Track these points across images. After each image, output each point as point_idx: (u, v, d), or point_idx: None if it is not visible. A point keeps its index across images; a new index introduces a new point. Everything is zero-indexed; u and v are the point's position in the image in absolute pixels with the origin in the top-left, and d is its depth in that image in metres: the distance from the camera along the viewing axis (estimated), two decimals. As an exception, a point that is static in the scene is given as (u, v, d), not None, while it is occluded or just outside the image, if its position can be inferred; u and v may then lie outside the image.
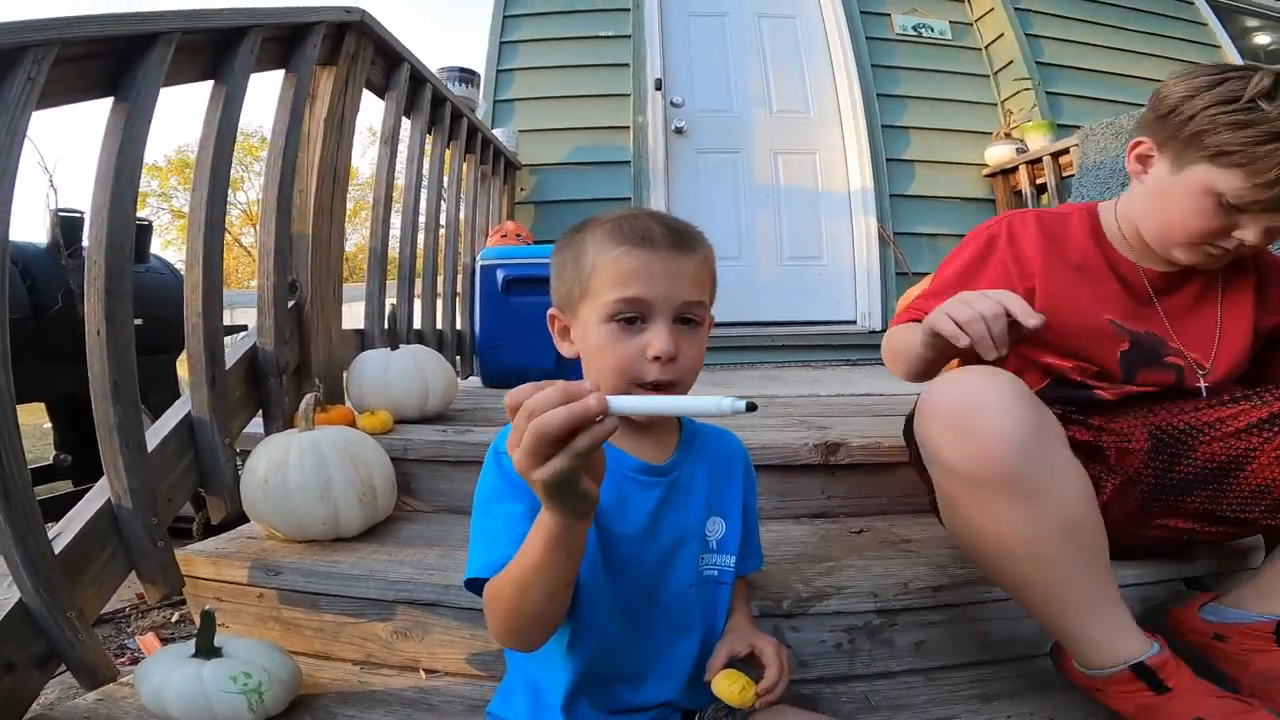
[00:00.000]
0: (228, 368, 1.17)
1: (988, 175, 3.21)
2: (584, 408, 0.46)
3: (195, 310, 1.10)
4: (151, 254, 2.52)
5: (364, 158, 10.51)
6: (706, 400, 0.48)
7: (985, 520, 0.78)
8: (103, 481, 0.96)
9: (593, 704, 0.74)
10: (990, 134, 3.22)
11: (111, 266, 0.94)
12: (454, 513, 1.30)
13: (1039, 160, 2.91)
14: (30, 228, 2.33)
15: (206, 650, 0.86)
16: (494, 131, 2.82)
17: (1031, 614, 0.82)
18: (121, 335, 0.95)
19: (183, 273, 1.30)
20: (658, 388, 0.67)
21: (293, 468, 1.05)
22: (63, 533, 0.90)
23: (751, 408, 0.46)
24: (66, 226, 2.19)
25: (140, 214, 2.62)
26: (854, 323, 3.07)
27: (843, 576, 1.01)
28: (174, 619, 1.83)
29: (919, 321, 0.89)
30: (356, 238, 10.56)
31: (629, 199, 3.05)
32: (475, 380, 2.25)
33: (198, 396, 1.09)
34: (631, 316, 0.67)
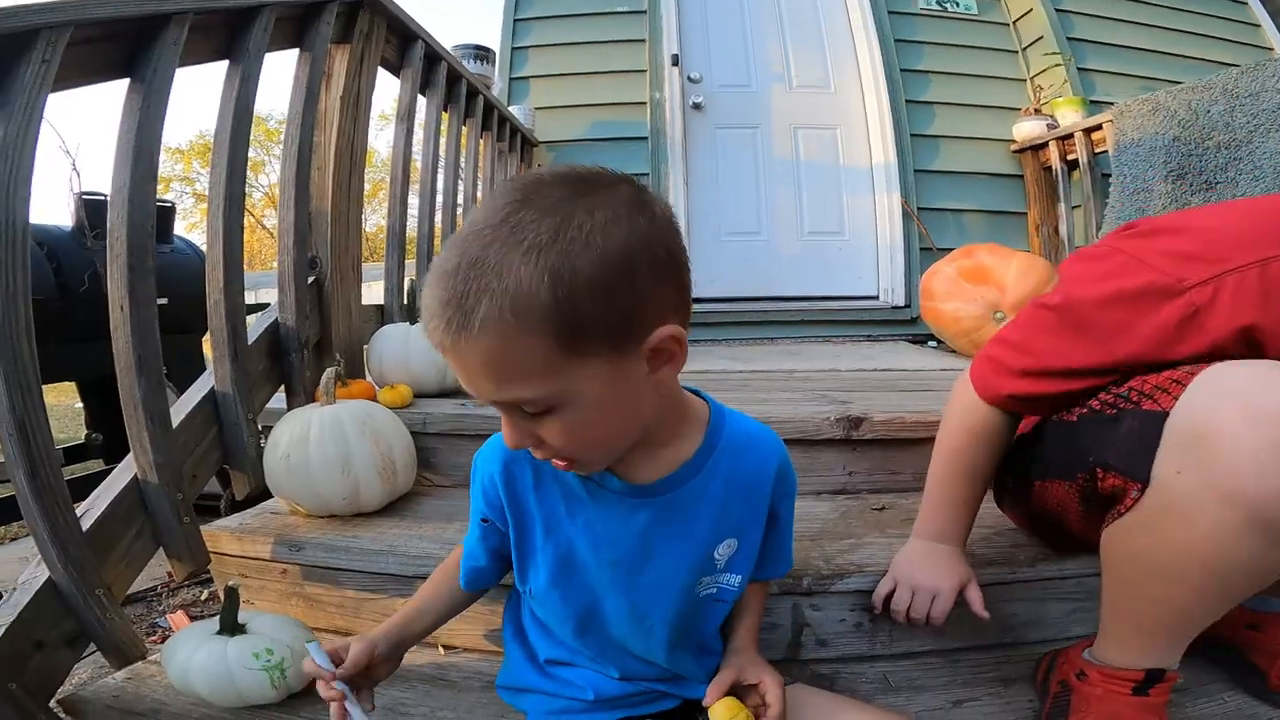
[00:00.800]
0: (250, 343, 1.17)
1: (1016, 151, 3.15)
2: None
3: (217, 286, 1.11)
4: (175, 235, 2.56)
5: (379, 139, 10.56)
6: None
7: (1224, 554, 0.60)
8: (129, 458, 0.97)
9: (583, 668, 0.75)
10: (1018, 110, 3.15)
11: (133, 242, 0.95)
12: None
13: (1070, 136, 2.84)
14: (55, 211, 2.36)
15: (230, 627, 0.87)
16: (510, 109, 2.80)
17: (1125, 619, 0.73)
18: (144, 310, 0.95)
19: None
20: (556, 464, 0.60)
21: (314, 442, 1.06)
22: (90, 510, 0.91)
23: None
24: (91, 209, 2.23)
25: (164, 197, 2.67)
26: (876, 298, 3.04)
27: (864, 554, 1.00)
28: (203, 596, 1.88)
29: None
30: (376, 218, 10.64)
31: (646, 175, 3.03)
32: None
33: (221, 371, 1.10)
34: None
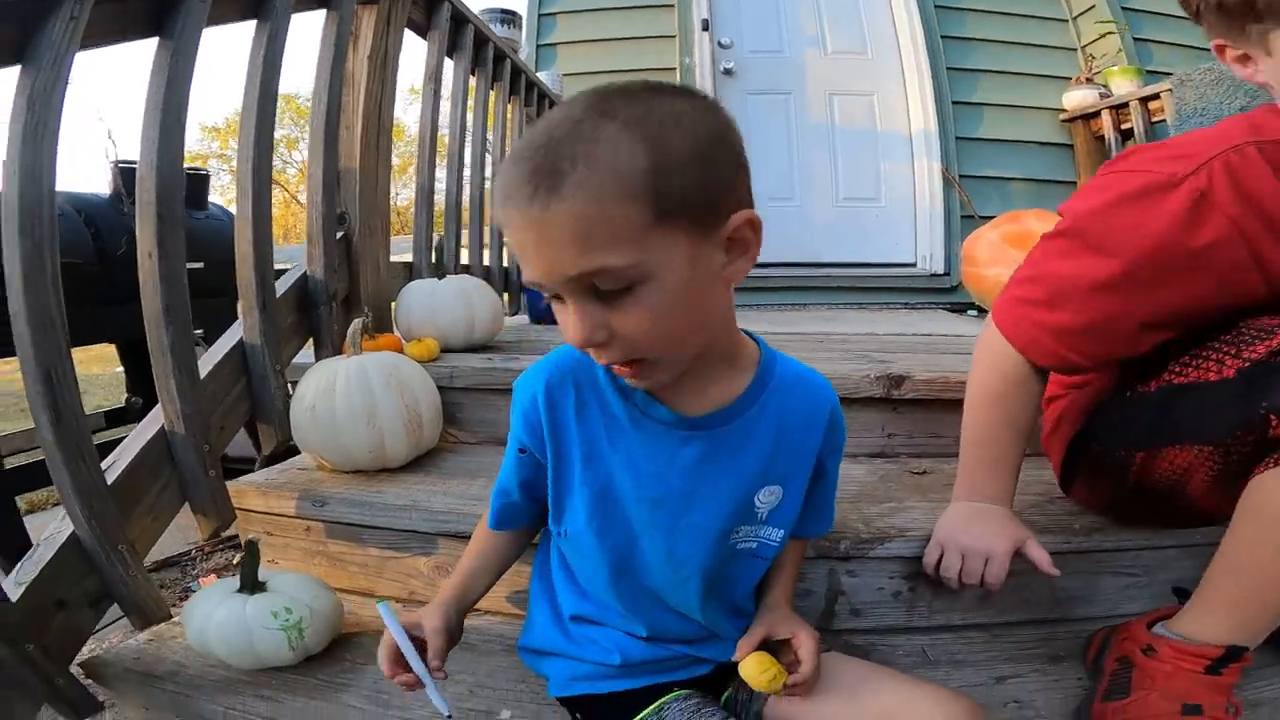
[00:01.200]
0: (278, 296, 1.17)
1: (1065, 120, 3.08)
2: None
3: (245, 238, 1.11)
4: (210, 202, 2.58)
5: (407, 114, 10.56)
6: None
7: None
8: (157, 409, 0.96)
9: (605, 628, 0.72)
10: (1068, 79, 3.07)
11: (162, 193, 0.94)
12: (499, 444, 1.26)
13: (1124, 105, 2.79)
14: (93, 181, 2.40)
15: (250, 584, 0.86)
16: (538, 75, 2.75)
17: (1234, 585, 0.69)
18: (172, 259, 0.94)
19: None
20: (612, 363, 0.55)
21: (339, 393, 1.04)
22: (116, 462, 0.91)
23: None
24: (126, 177, 2.26)
25: (199, 167, 2.69)
26: (913, 265, 2.97)
27: (906, 518, 0.95)
28: (235, 560, 1.91)
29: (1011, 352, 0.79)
30: (406, 193, 10.70)
31: None
32: (522, 318, 2.27)
33: (249, 321, 1.09)
34: (553, 293, 0.52)
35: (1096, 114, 2.91)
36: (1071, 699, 0.80)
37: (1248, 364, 0.67)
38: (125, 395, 2.41)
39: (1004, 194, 2.95)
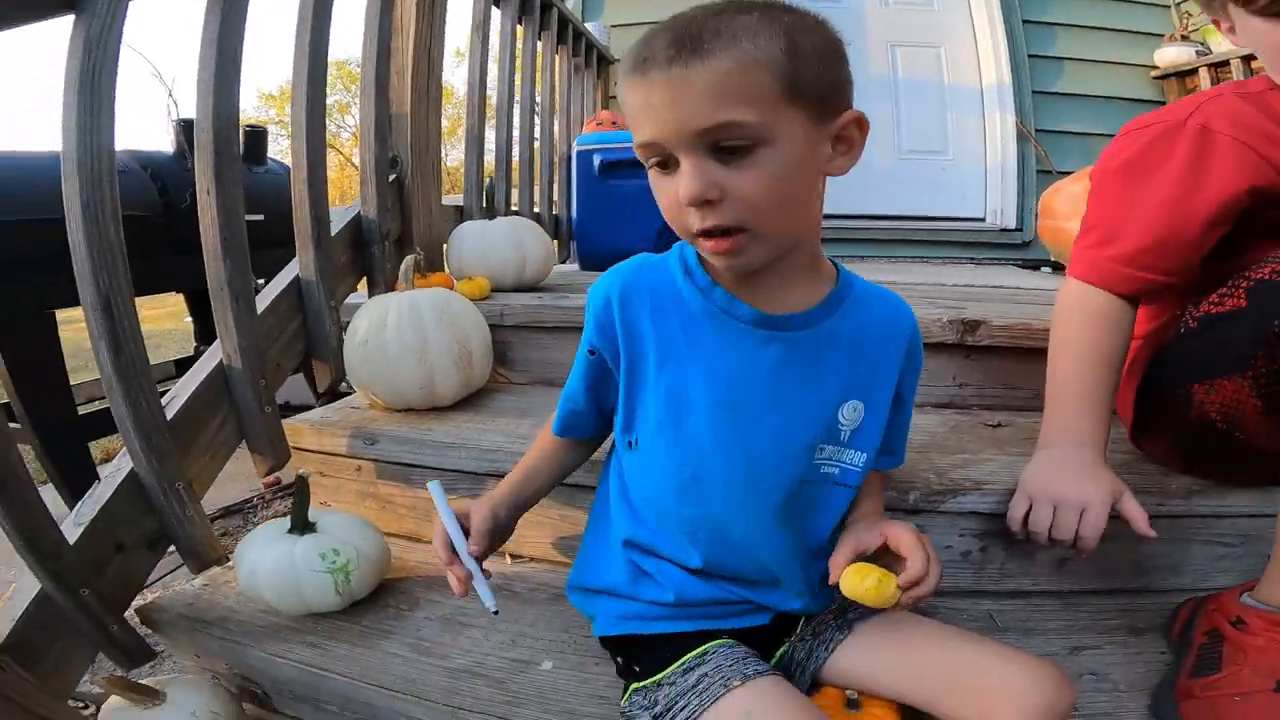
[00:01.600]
0: (334, 234, 1.17)
1: (1157, 77, 2.90)
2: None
3: (301, 179, 1.11)
4: (269, 157, 2.63)
5: (454, 77, 10.53)
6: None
7: None
8: (215, 345, 0.97)
9: (666, 561, 0.68)
10: (1159, 35, 2.87)
11: (218, 131, 0.94)
12: (549, 385, 1.28)
13: (1225, 63, 2.62)
14: (156, 139, 2.47)
15: (301, 523, 0.86)
16: (585, 25, 2.68)
17: None
18: (230, 194, 0.94)
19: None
20: (710, 236, 0.54)
21: (391, 328, 1.03)
22: (175, 397, 0.92)
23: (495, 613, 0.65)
24: (188, 134, 2.32)
25: (257, 126, 2.73)
26: (982, 219, 2.83)
27: (982, 471, 0.88)
28: (283, 511, 1.97)
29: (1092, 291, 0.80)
30: (455, 154, 10.75)
31: None
32: (573, 265, 2.26)
33: (304, 258, 1.10)
34: (661, 160, 0.54)
35: (1192, 71, 2.75)
36: (1154, 673, 0.74)
37: (1254, 283, 0.71)
38: (194, 345, 2.51)
39: (1086, 149, 2.78)
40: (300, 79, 1.12)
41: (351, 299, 1.25)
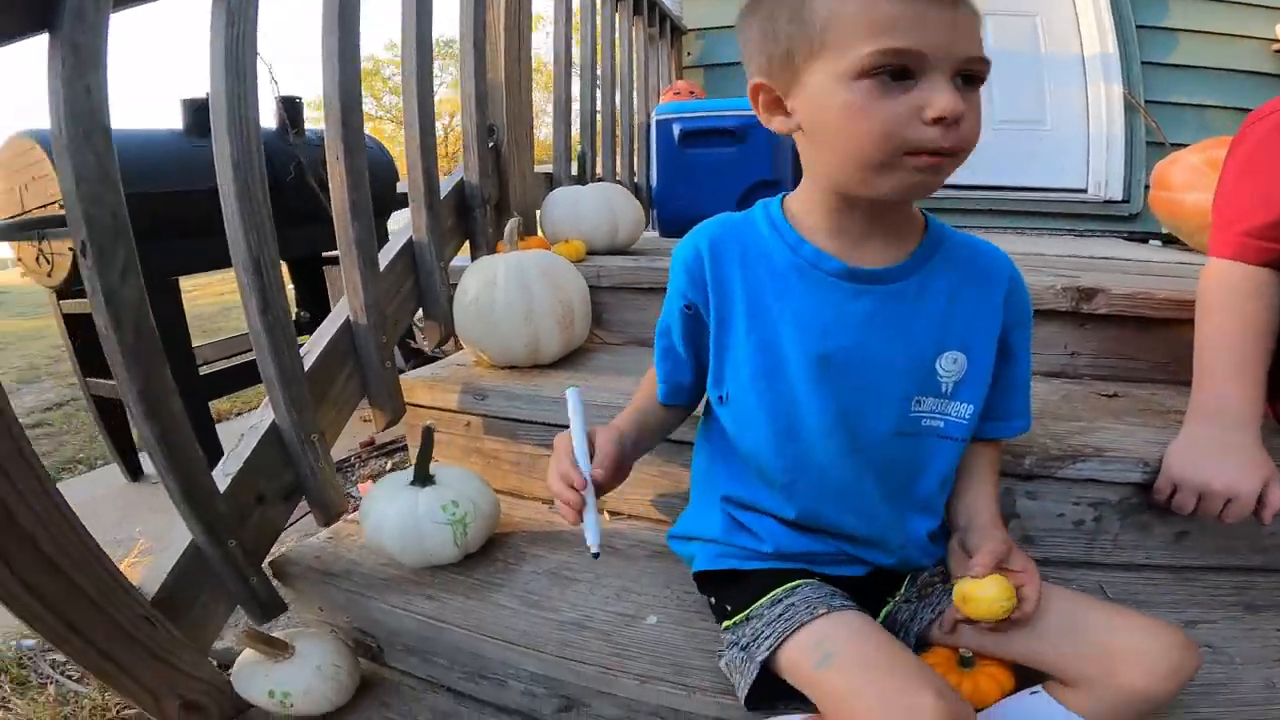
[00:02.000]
0: (441, 198, 1.22)
1: (1279, 50, 2.67)
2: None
3: (413, 143, 1.16)
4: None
5: (540, 49, 10.62)
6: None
7: None
8: (341, 303, 1.04)
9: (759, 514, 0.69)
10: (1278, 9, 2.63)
11: (344, 103, 0.99)
12: (642, 345, 1.30)
13: None
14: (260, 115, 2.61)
15: (423, 473, 0.90)
16: (659, -2, 2.68)
17: None
18: (356, 159, 1.00)
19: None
20: (934, 154, 0.53)
21: (500, 287, 1.08)
22: (310, 352, 0.98)
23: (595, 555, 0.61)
24: (290, 109, 2.44)
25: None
26: (1083, 191, 2.68)
27: (1101, 439, 0.86)
28: (388, 467, 2.08)
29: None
30: (544, 132, 10.83)
31: None
32: (653, 232, 2.28)
33: (417, 220, 1.15)
34: (897, 70, 0.52)
35: (1315, 45, 2.52)
36: (1272, 649, 0.72)
37: None
38: (295, 310, 2.67)
39: (1201, 121, 2.63)
40: (409, 49, 1.16)
41: (455, 262, 1.30)
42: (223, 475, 0.84)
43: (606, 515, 1.04)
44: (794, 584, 0.65)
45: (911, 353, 0.63)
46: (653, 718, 0.74)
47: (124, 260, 0.70)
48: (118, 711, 1.04)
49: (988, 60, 0.53)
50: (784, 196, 0.67)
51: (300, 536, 1.13)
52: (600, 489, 0.65)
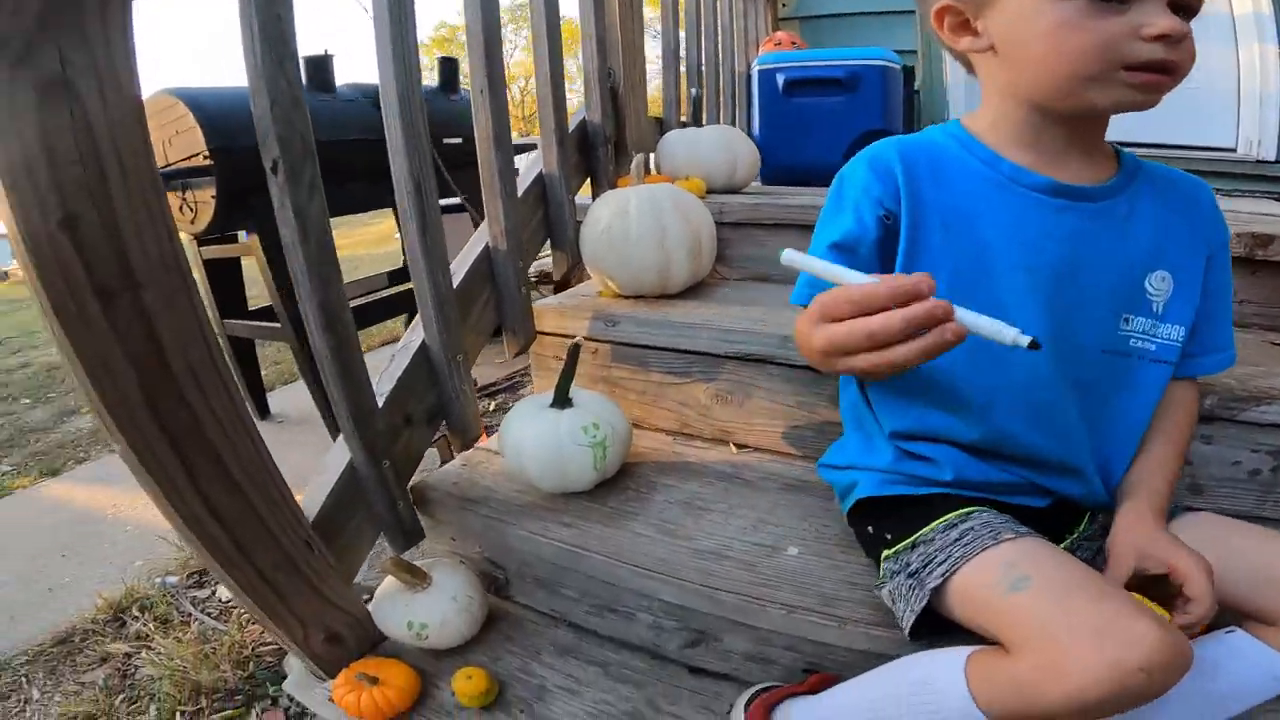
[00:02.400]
0: (569, 133, 1.25)
1: None
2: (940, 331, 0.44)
3: (545, 81, 1.20)
4: (464, 88, 2.83)
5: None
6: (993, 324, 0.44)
7: None
8: (482, 228, 1.09)
9: (925, 442, 0.67)
10: None
11: (488, 42, 1.03)
12: (763, 281, 1.30)
13: None
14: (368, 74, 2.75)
15: (564, 394, 0.90)
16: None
17: None
18: (498, 95, 1.04)
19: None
20: (1163, 70, 0.53)
21: (633, 216, 1.10)
22: (455, 271, 1.02)
23: (1034, 345, 0.42)
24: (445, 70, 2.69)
25: (451, 58, 2.93)
26: (1232, 150, 2.48)
27: (1283, 384, 0.79)
28: (490, 408, 2.18)
29: None
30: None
31: (911, 11, 2.64)
32: (755, 183, 2.26)
33: (548, 155, 1.19)
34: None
35: None
36: None
37: None
38: (403, 259, 2.81)
39: None
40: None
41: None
42: (377, 394, 0.86)
43: (732, 447, 1.05)
44: (970, 509, 0.63)
45: (1121, 271, 0.62)
46: (787, 651, 0.74)
47: (310, 178, 0.75)
48: (254, 649, 1.11)
49: None
50: (959, 120, 0.66)
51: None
52: None
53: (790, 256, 0.51)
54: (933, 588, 0.59)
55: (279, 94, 0.71)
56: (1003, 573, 0.54)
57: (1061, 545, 0.65)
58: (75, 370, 0.54)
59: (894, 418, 0.69)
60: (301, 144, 0.74)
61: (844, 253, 0.64)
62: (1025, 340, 0.43)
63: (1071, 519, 0.68)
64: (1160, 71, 0.53)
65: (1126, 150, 0.65)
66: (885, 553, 0.67)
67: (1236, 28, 2.53)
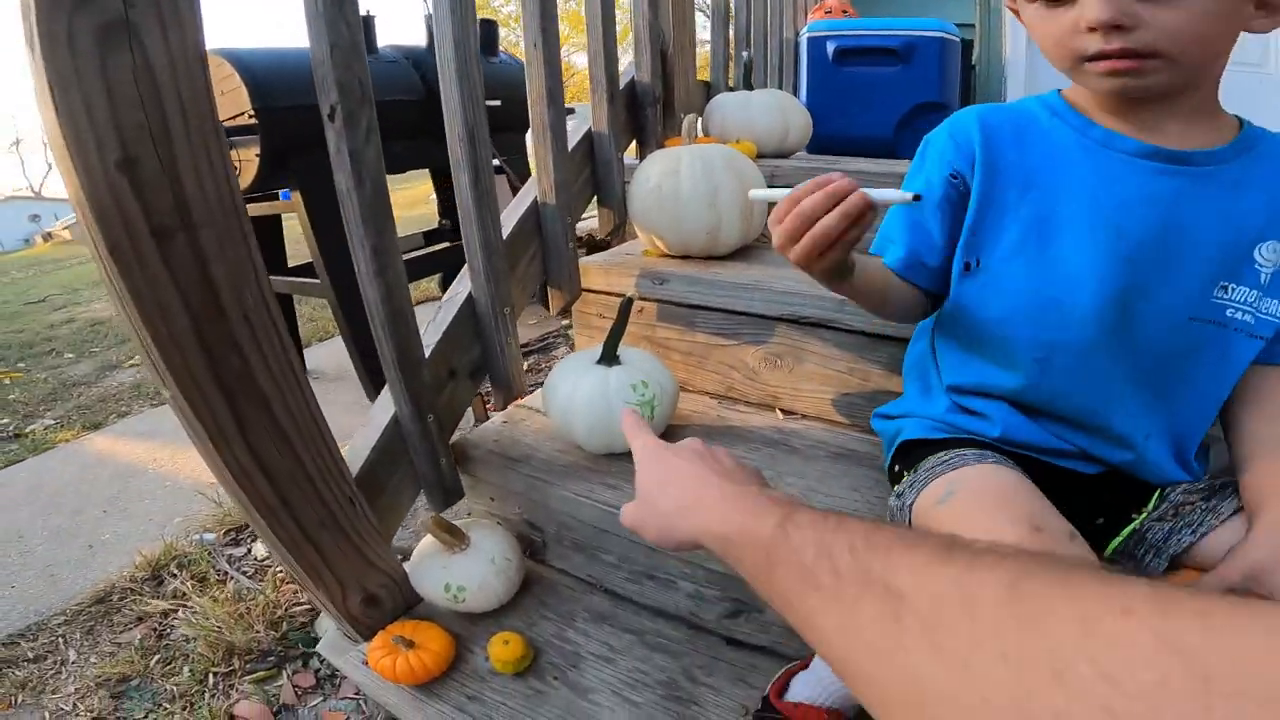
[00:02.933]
0: (619, 91, 1.23)
1: None
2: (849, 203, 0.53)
3: (597, 44, 1.17)
4: (501, 49, 2.79)
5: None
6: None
7: None
8: (530, 183, 1.08)
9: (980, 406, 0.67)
10: None
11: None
12: None
13: None
14: (414, 34, 2.69)
15: (612, 350, 0.87)
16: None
17: None
18: (552, 45, 1.02)
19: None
20: (1107, 58, 0.53)
21: (684, 175, 1.08)
22: (504, 223, 1.01)
23: (917, 198, 0.52)
24: (486, 30, 2.55)
25: (489, 19, 2.89)
26: None
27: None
28: (524, 368, 2.18)
29: None
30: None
31: (972, 26, 2.55)
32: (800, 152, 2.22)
33: (598, 113, 1.17)
34: None
35: None
36: None
37: None
38: (438, 219, 2.82)
39: None
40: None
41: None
42: (424, 346, 0.85)
43: (779, 413, 1.03)
44: (980, 450, 0.64)
45: (1228, 237, 0.60)
46: None
47: (367, 123, 0.74)
48: (287, 609, 1.11)
49: None
50: (1059, 90, 0.65)
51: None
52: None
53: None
54: (909, 504, 0.63)
55: (339, 38, 0.70)
56: (944, 489, 0.60)
57: (1129, 527, 0.64)
58: (129, 313, 0.54)
59: (955, 371, 0.70)
60: (360, 90, 0.73)
61: (908, 211, 0.68)
62: (909, 195, 0.52)
63: (1139, 495, 0.65)
64: (1119, 58, 0.53)
65: (1252, 124, 0.62)
66: (895, 489, 0.69)
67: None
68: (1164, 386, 0.62)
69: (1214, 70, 0.58)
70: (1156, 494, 0.65)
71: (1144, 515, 0.65)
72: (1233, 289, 0.60)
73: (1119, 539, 0.65)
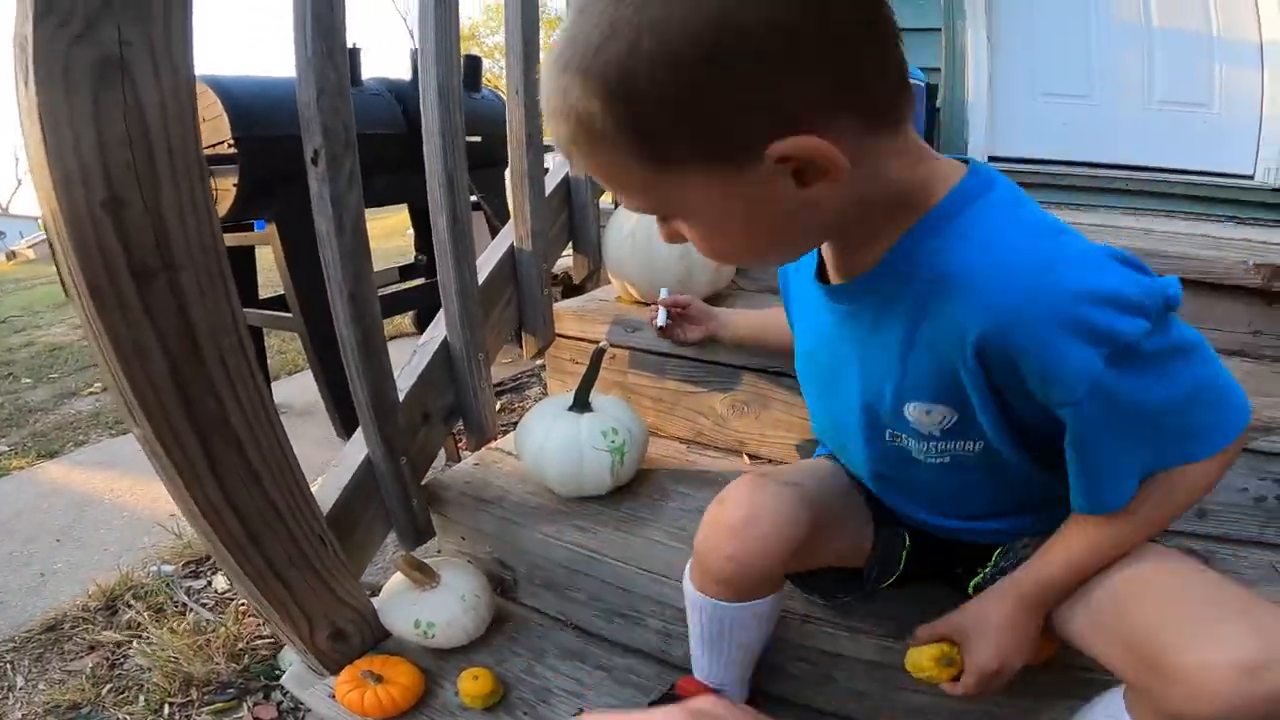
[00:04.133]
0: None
1: None
2: None
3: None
4: (484, 85, 2.84)
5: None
6: None
7: None
8: (507, 228, 1.10)
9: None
10: None
11: (526, 38, 1.04)
12: (775, 293, 1.29)
13: None
14: (398, 68, 2.74)
15: (584, 397, 0.90)
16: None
17: None
18: (533, 93, 1.04)
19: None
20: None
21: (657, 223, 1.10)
22: (480, 269, 1.02)
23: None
24: (470, 66, 2.58)
25: (473, 55, 2.95)
26: (1249, 177, 2.52)
27: (1295, 414, 0.80)
28: (496, 408, 2.17)
29: None
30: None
31: (937, 29, 2.66)
32: None
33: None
34: None
35: None
36: None
37: None
38: (414, 254, 2.82)
39: None
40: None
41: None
42: (399, 390, 0.86)
43: (745, 458, 1.06)
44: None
45: (869, 389, 0.56)
46: (800, 663, 0.75)
47: (350, 169, 0.76)
48: (249, 642, 1.09)
49: (638, 207, 0.48)
50: None
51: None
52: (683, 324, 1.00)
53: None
54: None
55: (327, 84, 0.71)
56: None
57: (975, 579, 0.64)
58: (104, 354, 0.54)
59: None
60: (345, 135, 0.74)
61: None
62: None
63: (985, 553, 0.65)
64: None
65: (943, 209, 0.48)
66: None
67: (1264, 55, 2.55)
68: (900, 480, 0.64)
69: (823, 229, 0.50)
70: (999, 551, 0.63)
71: (989, 568, 0.63)
72: (904, 438, 0.58)
73: (972, 584, 0.65)
